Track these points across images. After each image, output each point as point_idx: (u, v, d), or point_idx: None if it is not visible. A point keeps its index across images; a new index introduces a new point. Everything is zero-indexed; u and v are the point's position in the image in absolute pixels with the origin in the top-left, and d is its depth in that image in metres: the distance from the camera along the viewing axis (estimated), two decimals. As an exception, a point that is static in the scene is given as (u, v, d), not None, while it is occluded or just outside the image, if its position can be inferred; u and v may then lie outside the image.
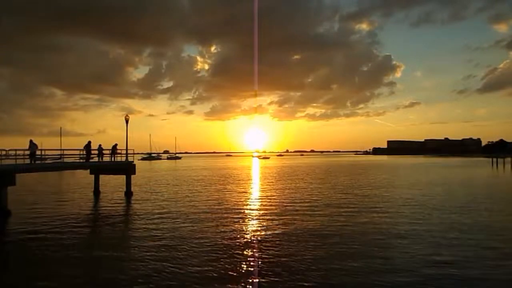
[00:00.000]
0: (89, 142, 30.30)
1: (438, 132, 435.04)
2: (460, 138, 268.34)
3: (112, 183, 36.24)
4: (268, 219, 18.37)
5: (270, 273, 10.23)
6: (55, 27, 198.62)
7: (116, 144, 31.43)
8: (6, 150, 23.39)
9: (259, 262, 11.21)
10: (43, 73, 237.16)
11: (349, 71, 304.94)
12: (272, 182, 41.60)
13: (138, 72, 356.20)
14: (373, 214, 19.66)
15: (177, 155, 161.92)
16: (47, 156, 31.71)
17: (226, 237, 14.63)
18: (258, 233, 15.41)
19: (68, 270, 10.81)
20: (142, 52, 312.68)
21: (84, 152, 30.28)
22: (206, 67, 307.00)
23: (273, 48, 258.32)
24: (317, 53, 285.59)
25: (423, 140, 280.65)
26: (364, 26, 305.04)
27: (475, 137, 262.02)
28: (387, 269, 10.46)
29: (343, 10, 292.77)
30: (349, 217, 18.74)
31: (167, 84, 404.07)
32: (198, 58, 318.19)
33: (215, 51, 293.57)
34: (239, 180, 44.29)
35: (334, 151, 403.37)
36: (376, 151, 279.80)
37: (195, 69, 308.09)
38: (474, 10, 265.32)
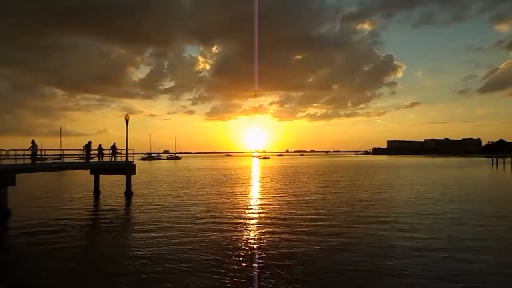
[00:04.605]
0: (89, 142, 30.35)
1: (438, 132, 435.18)
2: (460, 138, 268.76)
3: (112, 183, 36.28)
4: (267, 218, 18.42)
5: (269, 270, 10.30)
6: (57, 27, 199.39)
7: (114, 143, 31.57)
8: (6, 150, 23.42)
9: (258, 261, 11.26)
10: (45, 73, 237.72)
11: (350, 71, 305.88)
12: (270, 182, 41.63)
13: (139, 72, 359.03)
14: (375, 218, 19.67)
15: (177, 155, 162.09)
16: (47, 156, 31.71)
17: (225, 237, 14.65)
18: (257, 234, 15.47)
19: (68, 270, 10.84)
20: (144, 52, 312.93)
21: (84, 152, 30.29)
22: (208, 67, 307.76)
23: (274, 48, 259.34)
24: (318, 53, 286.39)
25: (423, 140, 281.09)
26: (365, 26, 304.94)
27: (475, 137, 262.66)
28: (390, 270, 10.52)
29: (345, 10, 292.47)
30: (350, 217, 18.80)
31: (168, 84, 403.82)
32: (200, 58, 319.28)
33: (217, 51, 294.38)
34: (238, 181, 44.31)
35: (334, 151, 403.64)
36: (376, 151, 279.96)
37: (196, 69, 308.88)
38: (475, 10, 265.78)
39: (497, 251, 12.40)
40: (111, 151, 31.31)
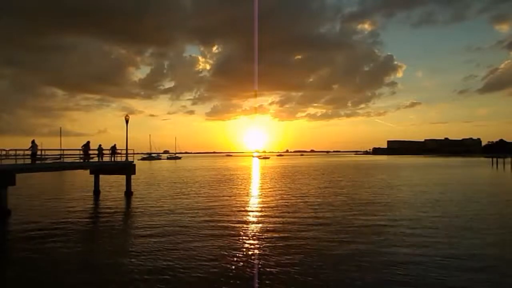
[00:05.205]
0: (88, 142, 30.28)
1: (438, 132, 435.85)
2: (460, 138, 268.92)
3: (112, 183, 36.26)
4: (265, 218, 18.40)
5: (269, 272, 10.26)
6: (57, 27, 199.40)
7: (115, 145, 31.57)
8: (6, 150, 23.41)
9: (258, 263, 11.24)
10: (45, 73, 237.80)
11: (351, 71, 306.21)
12: (270, 183, 41.60)
13: (139, 72, 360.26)
14: (376, 221, 19.64)
15: (177, 155, 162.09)
16: (47, 156, 31.71)
17: (225, 241, 14.61)
18: (257, 238, 15.44)
19: (68, 270, 10.82)
20: (144, 52, 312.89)
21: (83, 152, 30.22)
22: (208, 67, 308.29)
23: (275, 48, 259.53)
24: (318, 53, 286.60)
25: (423, 140, 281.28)
26: (366, 26, 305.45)
27: (475, 137, 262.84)
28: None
29: (345, 10, 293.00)
30: (349, 218, 18.78)
31: (168, 84, 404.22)
32: (200, 58, 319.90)
33: (217, 51, 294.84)
34: (238, 182, 44.30)
35: (334, 151, 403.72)
36: (376, 151, 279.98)
37: (196, 69, 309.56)
38: (475, 10, 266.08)
39: (497, 253, 12.39)
40: (111, 151, 31.30)
